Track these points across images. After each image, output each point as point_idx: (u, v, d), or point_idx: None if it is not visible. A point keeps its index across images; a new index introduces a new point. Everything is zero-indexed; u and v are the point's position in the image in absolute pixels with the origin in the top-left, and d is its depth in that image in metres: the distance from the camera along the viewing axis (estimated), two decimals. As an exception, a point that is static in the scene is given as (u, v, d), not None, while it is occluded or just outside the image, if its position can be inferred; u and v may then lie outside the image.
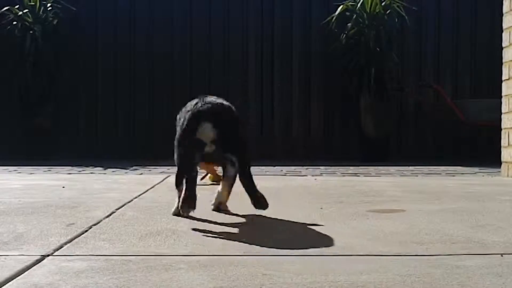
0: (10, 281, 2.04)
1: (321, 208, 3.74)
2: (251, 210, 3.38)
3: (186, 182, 3.31)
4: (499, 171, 6.45)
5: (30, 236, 2.81)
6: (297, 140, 10.23)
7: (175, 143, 3.45)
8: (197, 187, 3.30)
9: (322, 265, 2.26)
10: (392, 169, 7.67)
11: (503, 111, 6.32)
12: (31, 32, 9.64)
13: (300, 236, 2.79)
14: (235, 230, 2.98)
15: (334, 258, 2.39)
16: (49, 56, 9.68)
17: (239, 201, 3.48)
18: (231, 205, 3.59)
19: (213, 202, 3.62)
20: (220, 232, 2.91)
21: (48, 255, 2.42)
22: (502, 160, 6.35)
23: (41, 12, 9.81)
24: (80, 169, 7.39)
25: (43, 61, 9.62)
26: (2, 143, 10.05)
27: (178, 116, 3.56)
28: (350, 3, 9.78)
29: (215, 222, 3.22)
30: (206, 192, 4.39)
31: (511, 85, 6.15)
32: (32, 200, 4.15)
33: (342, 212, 3.59)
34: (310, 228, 3.03)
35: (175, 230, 2.99)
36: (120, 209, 3.71)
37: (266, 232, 2.93)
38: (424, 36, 10.69)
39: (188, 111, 3.37)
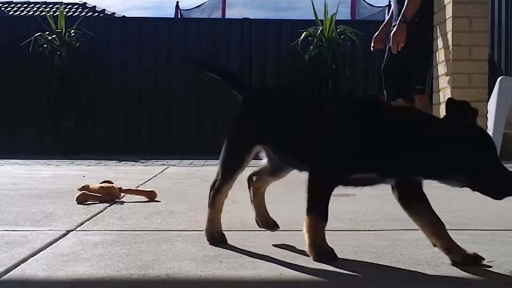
0: (41, 250, 2.03)
1: (289, 194, 3.73)
2: (236, 198, 3.36)
3: None
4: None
5: (57, 215, 2.79)
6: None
7: None
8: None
9: (290, 238, 2.27)
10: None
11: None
12: (58, 53, 9.70)
13: (272, 216, 2.78)
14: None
15: (300, 232, 2.38)
16: (73, 72, 9.76)
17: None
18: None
19: None
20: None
21: (71, 230, 2.41)
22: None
23: (66, 37, 9.86)
24: (97, 162, 7.35)
25: (68, 77, 9.72)
26: (35, 141, 10.09)
27: None
28: (312, 30, 9.88)
29: (205, 204, 3.21)
30: (197, 180, 4.38)
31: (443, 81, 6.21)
32: (58, 186, 4.13)
33: (305, 196, 3.58)
34: (281, 209, 3.02)
35: (173, 210, 2.98)
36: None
37: (246, 213, 2.92)
38: (370, 56, 10.74)
39: None
